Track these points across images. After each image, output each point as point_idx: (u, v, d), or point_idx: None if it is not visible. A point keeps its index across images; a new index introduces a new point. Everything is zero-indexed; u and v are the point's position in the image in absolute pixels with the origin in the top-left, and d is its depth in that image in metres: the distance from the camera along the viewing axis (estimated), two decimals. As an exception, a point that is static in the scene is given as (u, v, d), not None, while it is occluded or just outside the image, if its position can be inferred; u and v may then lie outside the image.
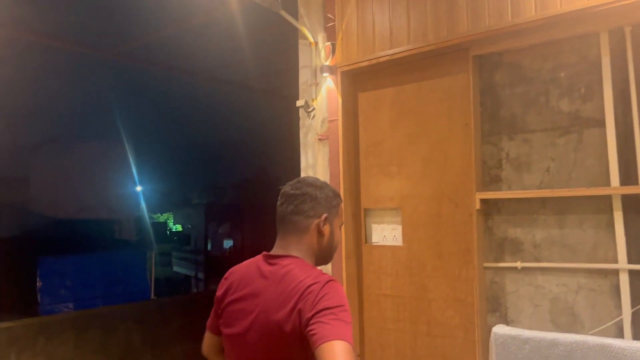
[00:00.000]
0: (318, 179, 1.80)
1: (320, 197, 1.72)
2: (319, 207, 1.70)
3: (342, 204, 1.82)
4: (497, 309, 2.83)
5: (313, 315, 1.45)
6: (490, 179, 2.87)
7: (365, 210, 3.22)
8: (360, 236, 3.22)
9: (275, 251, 1.69)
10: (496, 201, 2.83)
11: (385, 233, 3.15)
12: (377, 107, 3.16)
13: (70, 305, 9.44)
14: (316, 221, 1.69)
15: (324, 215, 1.70)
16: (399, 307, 3.02)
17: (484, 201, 2.79)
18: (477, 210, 2.76)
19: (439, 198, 2.91)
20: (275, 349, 1.53)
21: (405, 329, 2.98)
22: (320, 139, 3.34)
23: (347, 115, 3.22)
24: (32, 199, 13.84)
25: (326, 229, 1.71)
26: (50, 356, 4.68)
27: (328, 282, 1.53)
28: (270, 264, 1.65)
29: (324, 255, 1.75)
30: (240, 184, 18.68)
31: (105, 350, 5.18)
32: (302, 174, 3.41)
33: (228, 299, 1.69)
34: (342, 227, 1.87)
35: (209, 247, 18.32)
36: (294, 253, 1.67)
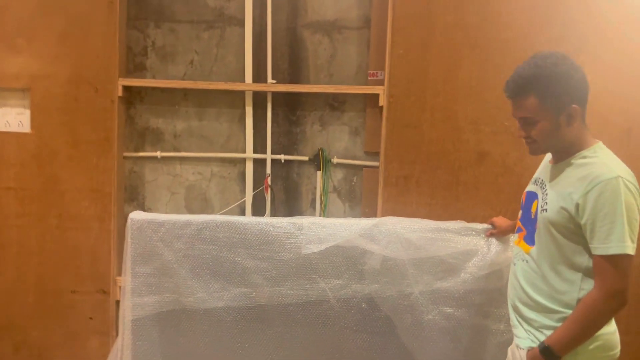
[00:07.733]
0: None
1: None
2: None
3: None
4: (135, 198, 2.83)
5: None
6: (135, 67, 2.76)
7: (-18, 89, 2.67)
8: None
9: None
10: (139, 89, 2.76)
11: (9, 118, 2.71)
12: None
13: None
14: None
15: None
16: (24, 200, 2.68)
17: (126, 88, 2.68)
18: (119, 97, 2.63)
19: (77, 81, 2.63)
20: None
21: (31, 224, 2.69)
22: None
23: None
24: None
25: None
26: None
27: None
28: None
29: None
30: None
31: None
32: None
33: None
34: None
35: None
36: None
